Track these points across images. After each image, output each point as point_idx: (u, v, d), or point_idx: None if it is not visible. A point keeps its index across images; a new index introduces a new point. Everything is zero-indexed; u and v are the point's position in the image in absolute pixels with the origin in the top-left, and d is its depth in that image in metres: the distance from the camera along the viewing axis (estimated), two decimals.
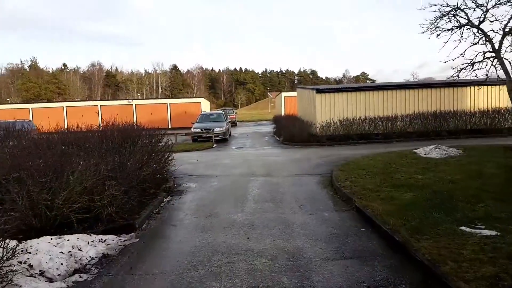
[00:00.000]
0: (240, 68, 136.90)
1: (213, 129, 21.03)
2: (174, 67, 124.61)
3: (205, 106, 37.78)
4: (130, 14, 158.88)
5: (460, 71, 11.80)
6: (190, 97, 48.35)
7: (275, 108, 51.19)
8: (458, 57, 11.78)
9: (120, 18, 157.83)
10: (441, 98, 18.83)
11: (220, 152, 16.81)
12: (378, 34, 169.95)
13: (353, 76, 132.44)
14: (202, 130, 21.22)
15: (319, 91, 19.12)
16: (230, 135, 24.60)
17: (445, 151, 11.53)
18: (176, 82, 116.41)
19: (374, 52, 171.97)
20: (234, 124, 36.74)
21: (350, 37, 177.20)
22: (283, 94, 38.94)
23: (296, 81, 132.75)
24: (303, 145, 17.59)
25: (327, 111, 18.89)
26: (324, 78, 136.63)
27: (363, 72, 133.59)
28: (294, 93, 35.00)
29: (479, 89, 17.45)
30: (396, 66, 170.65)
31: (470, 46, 11.69)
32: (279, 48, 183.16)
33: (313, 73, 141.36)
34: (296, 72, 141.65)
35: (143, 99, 57.28)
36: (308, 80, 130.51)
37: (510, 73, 11.16)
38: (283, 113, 33.50)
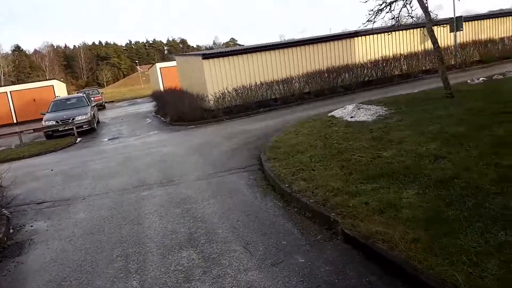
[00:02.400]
0: (100, 42, 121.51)
1: (73, 119, 16.05)
2: (17, 48, 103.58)
3: (60, 89, 30.58)
4: None
5: (376, 13, 9.97)
6: (40, 81, 38.89)
7: (150, 82, 45.71)
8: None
9: None
10: (332, 53, 17.45)
11: (88, 149, 12.43)
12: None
13: (223, 43, 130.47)
14: (57, 121, 16.03)
15: (206, 56, 15.81)
16: (98, 122, 19.67)
17: (370, 110, 9.79)
18: (22, 66, 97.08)
19: (240, 18, 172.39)
20: (101, 106, 30.80)
21: (215, 2, 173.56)
22: (158, 65, 33.85)
23: (166, 52, 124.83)
24: (198, 124, 14.34)
25: (218, 79, 15.82)
26: (195, 46, 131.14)
27: (232, 38, 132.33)
28: (172, 63, 30.63)
29: (389, 34, 16.59)
30: (260, 31, 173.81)
31: None
32: (143, 17, 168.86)
33: (183, 41, 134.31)
34: (165, 42, 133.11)
35: None
36: (178, 50, 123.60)
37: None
38: (162, 88, 29.10)
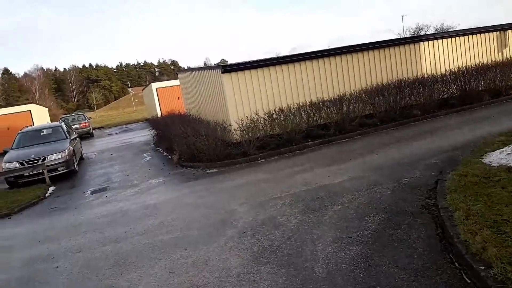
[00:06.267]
0: (90, 64, 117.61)
1: (45, 158, 11.46)
2: (6, 71, 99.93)
3: (40, 115, 25.85)
4: None
5: None
6: (17, 105, 33.79)
7: (144, 104, 41.14)
8: None
9: None
10: (393, 63, 13.12)
11: (54, 219, 7.73)
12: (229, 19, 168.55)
13: (214, 64, 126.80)
14: (22, 163, 11.42)
15: (227, 69, 11.42)
16: (82, 158, 15.08)
17: None
18: (10, 89, 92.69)
19: (229, 38, 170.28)
20: (89, 134, 25.99)
21: (207, 24, 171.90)
22: (154, 85, 29.08)
23: (157, 73, 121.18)
24: (221, 166, 9.78)
25: (244, 100, 11.41)
26: (186, 67, 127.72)
27: (223, 59, 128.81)
28: (170, 83, 26.31)
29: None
30: (250, 50, 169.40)
31: None
32: (134, 39, 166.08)
33: (174, 63, 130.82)
34: (156, 63, 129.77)
35: None
36: (170, 71, 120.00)
37: None
38: (159, 112, 24.56)
